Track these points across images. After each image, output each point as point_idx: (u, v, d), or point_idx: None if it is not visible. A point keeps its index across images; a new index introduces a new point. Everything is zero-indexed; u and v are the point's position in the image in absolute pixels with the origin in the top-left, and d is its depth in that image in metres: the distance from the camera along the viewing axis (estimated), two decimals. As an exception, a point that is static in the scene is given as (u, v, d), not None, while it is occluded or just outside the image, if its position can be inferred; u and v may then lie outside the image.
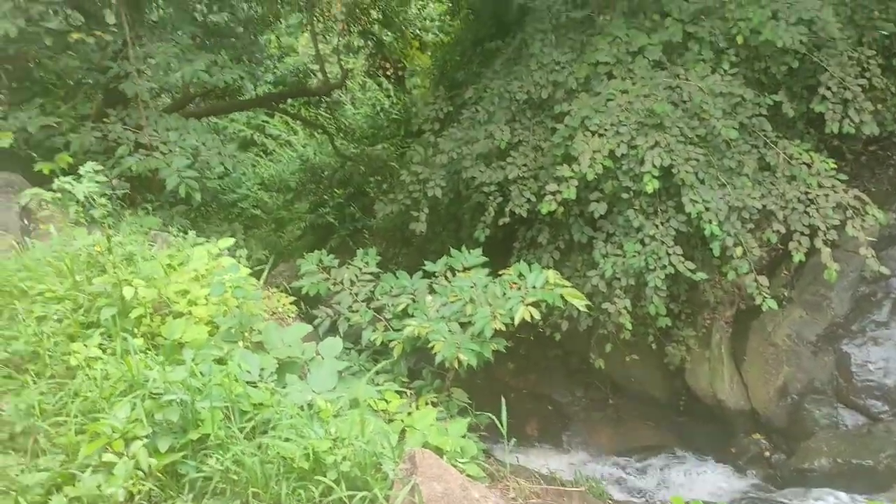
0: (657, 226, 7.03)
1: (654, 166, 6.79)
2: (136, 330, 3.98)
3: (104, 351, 3.77)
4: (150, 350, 3.84)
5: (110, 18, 7.37)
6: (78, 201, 4.63)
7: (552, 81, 7.95)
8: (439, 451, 3.82)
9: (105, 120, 7.75)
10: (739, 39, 7.31)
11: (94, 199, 4.62)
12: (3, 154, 6.89)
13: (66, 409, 3.37)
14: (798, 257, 6.92)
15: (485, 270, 5.96)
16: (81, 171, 4.71)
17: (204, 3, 10.91)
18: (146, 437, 3.03)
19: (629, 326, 7.09)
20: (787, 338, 7.76)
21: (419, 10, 15.70)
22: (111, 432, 3.01)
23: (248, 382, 3.65)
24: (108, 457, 2.86)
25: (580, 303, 5.34)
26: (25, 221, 5.77)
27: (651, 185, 6.76)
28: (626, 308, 7.06)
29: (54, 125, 7.40)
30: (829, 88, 7.23)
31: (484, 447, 4.88)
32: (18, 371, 3.71)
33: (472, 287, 5.60)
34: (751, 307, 7.54)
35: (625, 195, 7.12)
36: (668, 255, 6.89)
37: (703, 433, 8.23)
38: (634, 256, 6.94)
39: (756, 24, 7.15)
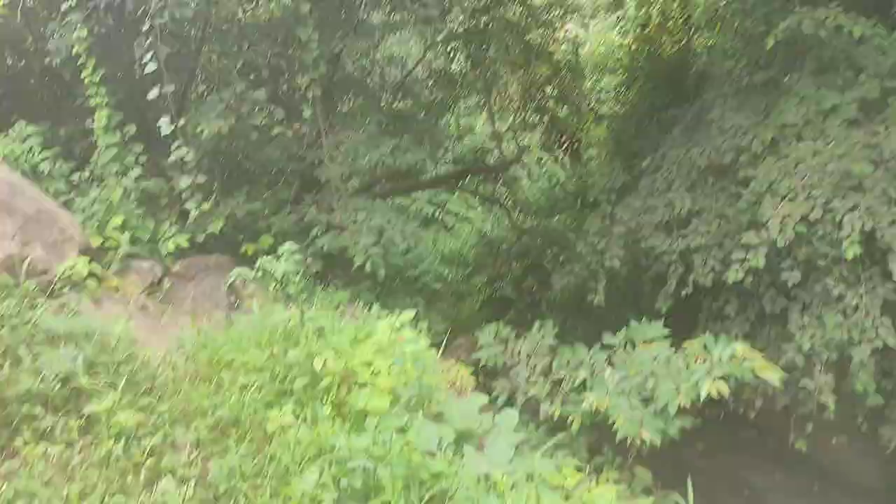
0: (861, 295, 6.45)
1: (854, 230, 6.27)
2: (324, 398, 4.21)
3: (297, 418, 4.01)
4: (337, 418, 4.04)
5: (307, 112, 8.09)
6: (276, 279, 5.04)
7: (735, 146, 7.66)
8: (621, 532, 3.67)
9: (301, 203, 8.45)
10: (944, 91, 6.69)
11: (290, 277, 5.01)
12: (216, 238, 7.67)
13: (262, 472, 3.60)
14: None
15: (666, 342, 5.73)
16: (280, 251, 5.14)
17: (390, 92, 11.74)
18: (333, 501, 3.16)
19: (832, 405, 6.47)
20: None
21: (594, 83, 15.85)
22: (301, 495, 3.18)
23: (426, 452, 3.72)
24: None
25: (775, 376, 4.98)
26: (233, 298, 6.36)
27: (851, 251, 6.24)
28: (828, 384, 6.47)
29: (258, 210, 8.17)
30: None
31: (672, 531, 4.58)
32: (223, 435, 4.03)
33: (653, 360, 5.40)
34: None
35: (822, 262, 6.62)
36: (875, 326, 6.27)
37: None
38: (836, 328, 6.38)
39: (963, 75, 6.53)
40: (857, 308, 6.41)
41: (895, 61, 7.10)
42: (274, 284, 5.13)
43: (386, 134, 10.29)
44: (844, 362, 6.49)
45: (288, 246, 5.28)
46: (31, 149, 7.42)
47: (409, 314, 5.31)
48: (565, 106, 14.94)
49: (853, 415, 7.14)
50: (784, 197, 6.72)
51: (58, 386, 3.88)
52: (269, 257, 5.20)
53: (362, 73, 11.46)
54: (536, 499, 3.20)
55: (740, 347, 5.11)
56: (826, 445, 7.51)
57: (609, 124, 15.11)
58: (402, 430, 3.69)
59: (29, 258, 5.40)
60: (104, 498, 3.18)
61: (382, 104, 11.31)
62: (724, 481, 8.69)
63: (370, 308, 5.97)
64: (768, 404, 7.19)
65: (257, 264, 5.24)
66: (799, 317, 6.78)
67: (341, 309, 6.31)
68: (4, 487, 3.09)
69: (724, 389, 4.87)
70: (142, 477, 3.46)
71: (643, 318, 6.29)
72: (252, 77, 8.65)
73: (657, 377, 5.24)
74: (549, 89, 14.36)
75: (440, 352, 5.49)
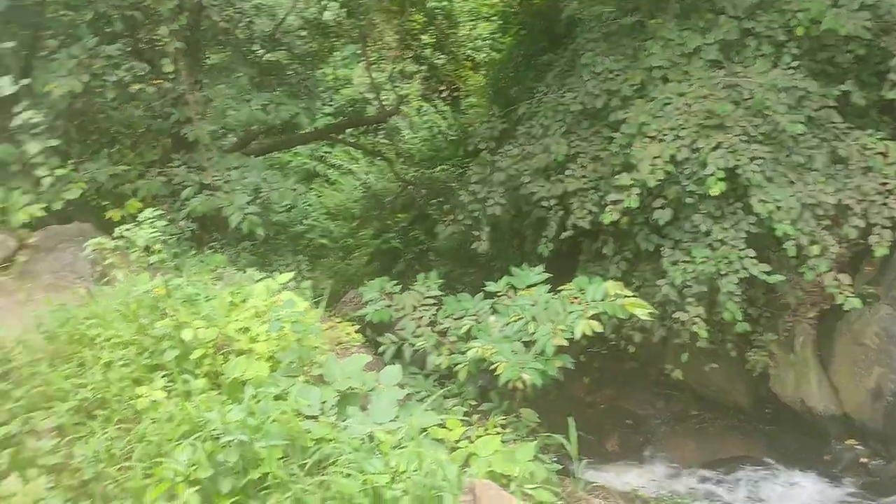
0: (726, 229, 6.78)
1: (718, 168, 6.55)
2: (198, 370, 4.03)
3: (168, 393, 3.82)
4: (213, 389, 3.88)
5: (168, 67, 7.60)
6: (138, 247, 4.75)
7: (606, 90, 7.80)
8: (506, 478, 3.72)
9: (170, 164, 8.00)
10: (799, 31, 7.03)
11: (154, 244, 4.73)
12: (76, 204, 7.16)
13: (133, 454, 3.42)
14: (881, 251, 6.56)
15: (546, 287, 5.83)
16: (140, 217, 4.84)
17: (260, 43, 11.20)
18: (208, 478, 3.03)
19: (704, 334, 6.83)
20: (877, 336, 7.33)
21: (469, 30, 15.74)
22: (173, 476, 3.03)
23: (309, 417, 3.64)
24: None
25: (643, 312, 5.16)
26: (96, 269, 5.96)
27: (717, 188, 6.53)
28: (700, 316, 6.81)
29: (122, 173, 7.67)
30: (900, 73, 6.85)
31: (560, 467, 4.72)
32: (88, 417, 3.80)
33: (533, 305, 5.49)
34: (835, 307, 7.15)
35: (689, 200, 6.90)
36: (741, 258, 6.63)
37: (793, 441, 7.84)
38: (704, 262, 6.70)
39: (816, 14, 6.86)
40: (723, 242, 6.73)
41: (753, 2, 7.36)
42: (137, 253, 4.82)
43: (258, 88, 9.87)
44: (713, 294, 6.84)
45: (149, 212, 4.96)
46: None
47: (287, 275, 5.15)
48: (442, 54, 14.80)
49: (723, 342, 7.60)
50: (653, 138, 6.92)
51: None
52: (130, 225, 4.87)
53: (230, 23, 10.86)
54: (419, 455, 3.18)
55: (611, 285, 5.26)
56: (700, 372, 7.95)
57: (487, 72, 15.11)
58: (281, 397, 3.57)
59: None
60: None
61: (253, 57, 10.79)
62: (608, 413, 9.09)
63: (244, 272, 5.76)
64: (647, 338, 7.52)
65: (115, 232, 4.90)
66: (671, 253, 7.07)
67: (218, 273, 6.05)
68: None
69: (597, 327, 5.01)
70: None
71: (525, 265, 6.37)
72: (106, 30, 8.02)
73: (538, 320, 5.32)
74: (425, 37, 14.15)
75: (327, 309, 5.37)
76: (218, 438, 3.14)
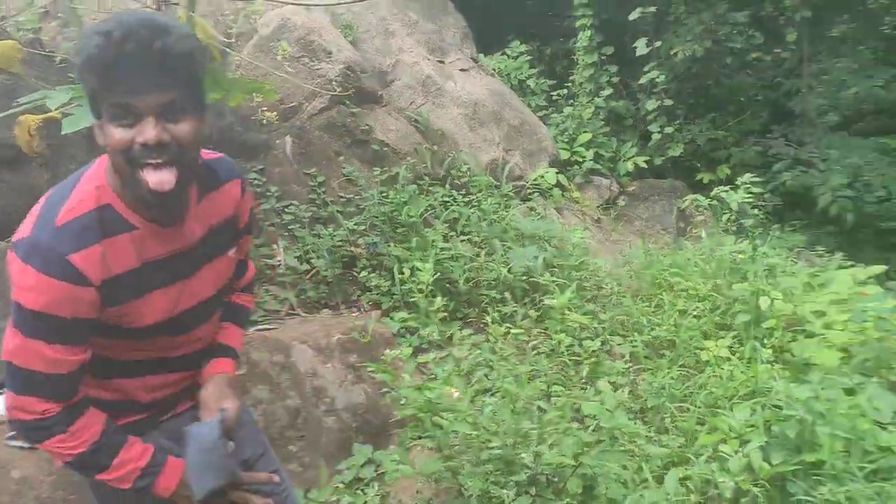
0: None
1: None
2: (766, 340, 4.04)
3: (733, 353, 3.94)
4: (775, 363, 3.86)
5: (791, 37, 7.47)
6: (731, 210, 4.90)
7: None
8: None
9: (768, 136, 7.94)
10: None
11: (746, 210, 4.82)
12: (673, 161, 7.70)
13: (691, 398, 3.65)
14: None
15: None
16: (738, 181, 4.96)
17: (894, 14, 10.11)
18: (761, 445, 3.07)
19: None
20: None
21: None
22: (728, 430, 3.15)
23: (876, 422, 3.36)
24: (725, 448, 3.01)
25: None
26: (682, 224, 6.38)
27: None
28: None
29: (721, 138, 7.92)
30: None
31: None
32: (657, 355, 4.17)
33: None
34: None
35: None
36: None
37: None
38: None
39: None
40: None
41: None
42: (727, 215, 4.99)
43: (882, 63, 8.99)
44: None
45: (748, 177, 5.06)
46: (520, 66, 8.26)
47: (880, 268, 4.73)
48: None
49: None
50: None
51: (521, 278, 4.41)
52: (726, 187, 5.05)
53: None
54: None
55: None
56: None
57: None
58: (851, 392, 3.37)
59: (510, 164, 6.12)
60: (549, 384, 3.57)
61: (885, 29, 9.81)
62: None
63: (831, 255, 5.47)
64: None
65: (713, 192, 5.14)
66: None
67: (796, 252, 5.89)
68: (472, 355, 3.68)
69: None
70: (584, 373, 3.80)
71: None
72: (735, -2, 8.25)
73: None
74: None
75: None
76: (780, 409, 3.14)
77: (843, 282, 4.53)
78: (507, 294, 4.37)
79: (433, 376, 3.24)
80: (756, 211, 4.93)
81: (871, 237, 11.03)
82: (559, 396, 3.33)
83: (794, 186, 7.32)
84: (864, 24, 9.45)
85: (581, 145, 7.22)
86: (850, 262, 5.30)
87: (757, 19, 8.47)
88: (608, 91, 7.68)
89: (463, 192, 5.49)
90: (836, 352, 3.89)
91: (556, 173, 6.47)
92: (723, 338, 4.08)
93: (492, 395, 3.28)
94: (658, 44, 7.44)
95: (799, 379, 3.60)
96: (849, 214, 6.89)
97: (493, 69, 7.76)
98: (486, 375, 3.45)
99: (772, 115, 8.64)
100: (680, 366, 4.00)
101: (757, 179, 5.37)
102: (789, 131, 7.84)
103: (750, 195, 5.00)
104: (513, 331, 3.82)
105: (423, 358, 3.30)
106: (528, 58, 8.40)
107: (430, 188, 5.36)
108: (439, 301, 3.82)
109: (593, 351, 3.96)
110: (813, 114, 7.75)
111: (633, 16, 7.35)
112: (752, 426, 3.18)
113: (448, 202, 5.20)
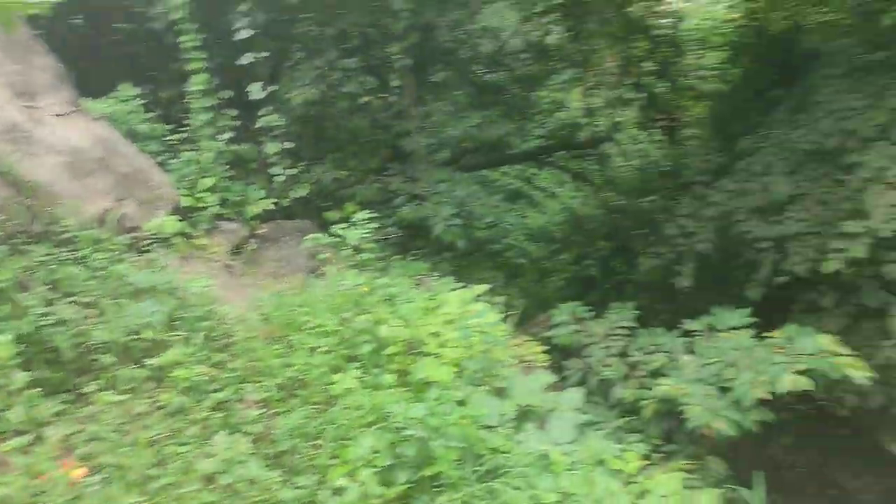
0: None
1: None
2: (389, 366, 4.24)
3: (361, 383, 4.05)
4: (398, 387, 4.06)
5: (396, 82, 8.11)
6: (349, 246, 5.09)
7: (841, 130, 7.18)
8: (682, 524, 3.54)
9: (386, 173, 8.51)
10: None
11: (364, 245, 5.04)
12: (301, 202, 7.83)
13: (323, 434, 3.67)
14: None
15: (750, 332, 5.47)
16: (354, 218, 5.18)
17: (482, 63, 11.59)
18: (386, 467, 3.18)
19: (932, 409, 6.06)
20: None
21: (696, 59, 15.18)
22: (356, 460, 3.21)
23: (485, 427, 3.70)
24: (343, 482, 3.05)
25: (862, 374, 4.68)
26: (312, 263, 6.48)
27: (962, 245, 5.78)
28: (929, 387, 6.06)
29: (344, 178, 8.29)
30: None
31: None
32: (291, 395, 4.13)
33: (734, 349, 5.17)
34: None
35: (930, 257, 6.17)
36: None
37: None
38: (940, 328, 5.95)
39: None
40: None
41: None
42: (347, 252, 5.18)
43: (475, 107, 10.21)
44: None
45: (362, 214, 5.31)
46: (132, 110, 7.73)
47: (483, 287, 5.28)
48: (664, 83, 14.39)
49: (957, 421, 6.69)
50: (892, 185, 6.28)
51: (134, 337, 4.05)
52: (345, 224, 5.24)
53: (455, 44, 11.35)
54: (592, 481, 3.11)
55: (825, 340, 4.82)
56: (923, 450, 7.05)
57: (709, 103, 14.47)
58: (462, 403, 3.67)
59: (121, 213, 5.65)
60: (159, 449, 3.29)
61: (473, 76, 11.19)
62: (810, 479, 8.30)
63: (441, 280, 5.97)
64: (862, 402, 6.79)
65: (330, 230, 5.30)
66: (901, 313, 6.36)
67: (418, 279, 6.33)
68: (78, 432, 3.26)
69: (806, 384, 4.60)
70: (211, 427, 3.58)
71: (730, 306, 6.02)
72: (345, 46, 8.72)
73: (737, 367, 5.01)
74: (647, 64, 13.85)
75: (516, 327, 5.44)
76: (399, 431, 3.28)
77: (453, 302, 4.96)
78: (116, 357, 3.97)
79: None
80: (373, 245, 5.19)
81: (483, 259, 12.44)
82: (175, 460, 3.08)
83: (413, 219, 7.92)
84: (456, 73, 10.68)
85: (204, 191, 6.96)
86: (461, 284, 5.85)
87: (367, 67, 9.07)
88: (228, 135, 7.56)
89: (70, 247, 4.92)
90: (451, 368, 4.22)
91: (179, 221, 6.14)
92: (350, 369, 4.17)
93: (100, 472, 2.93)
94: (275, 88, 7.54)
95: (420, 398, 3.81)
96: (460, 241, 7.63)
97: (104, 114, 7.16)
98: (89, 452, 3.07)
99: (390, 154, 9.29)
100: (313, 403, 4.00)
101: (375, 215, 5.67)
102: (404, 168, 8.49)
103: (367, 230, 5.25)
104: (122, 397, 3.47)
105: (5, 447, 2.82)
106: (143, 101, 7.91)
107: (26, 247, 4.71)
108: (21, 378, 3.31)
109: (221, 402, 3.78)
110: (423, 152, 8.49)
111: (243, 60, 7.34)
112: (378, 451, 3.27)
113: (47, 261, 4.61)
